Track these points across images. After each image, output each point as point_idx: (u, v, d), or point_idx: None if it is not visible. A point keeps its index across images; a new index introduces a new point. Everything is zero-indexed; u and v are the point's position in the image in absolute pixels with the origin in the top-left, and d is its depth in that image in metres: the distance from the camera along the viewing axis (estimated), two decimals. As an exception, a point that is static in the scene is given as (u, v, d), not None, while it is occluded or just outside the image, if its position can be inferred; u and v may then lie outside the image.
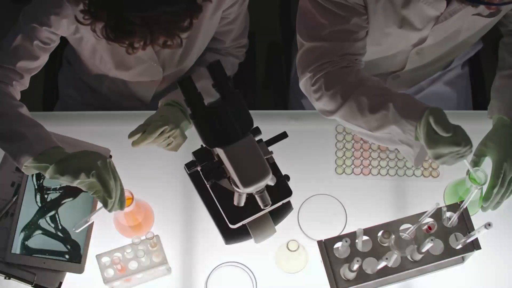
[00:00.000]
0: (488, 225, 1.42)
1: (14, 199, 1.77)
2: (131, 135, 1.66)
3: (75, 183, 1.51)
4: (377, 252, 1.57)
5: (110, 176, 1.50)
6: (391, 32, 1.72)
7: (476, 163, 1.70)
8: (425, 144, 1.50)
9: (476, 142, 1.79)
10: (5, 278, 1.69)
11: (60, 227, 1.74)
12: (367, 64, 1.99)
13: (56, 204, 1.76)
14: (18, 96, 1.69)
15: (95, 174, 1.49)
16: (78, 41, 1.78)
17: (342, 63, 1.67)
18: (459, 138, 1.48)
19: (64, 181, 1.52)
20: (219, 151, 1.43)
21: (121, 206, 1.54)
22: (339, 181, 1.82)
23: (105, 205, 1.51)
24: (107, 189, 1.50)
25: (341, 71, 1.66)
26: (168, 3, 1.39)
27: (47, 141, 1.57)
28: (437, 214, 1.58)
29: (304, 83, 1.71)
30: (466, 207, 1.57)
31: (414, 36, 1.75)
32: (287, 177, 1.59)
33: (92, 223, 1.74)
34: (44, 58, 1.72)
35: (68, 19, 1.64)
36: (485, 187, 1.63)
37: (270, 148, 1.55)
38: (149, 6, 1.37)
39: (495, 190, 1.66)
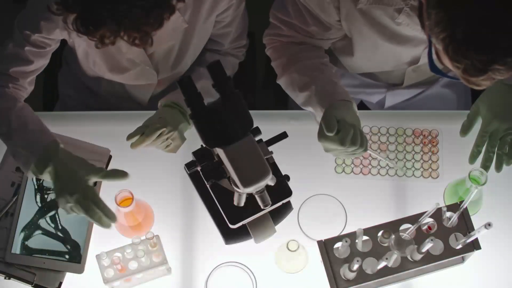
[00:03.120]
0: (488, 225, 1.42)
1: (14, 199, 1.77)
2: (129, 137, 1.66)
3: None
4: (377, 252, 1.57)
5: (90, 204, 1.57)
6: (381, 46, 1.74)
7: (469, 124, 1.79)
8: (317, 136, 1.59)
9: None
10: (5, 278, 1.69)
11: (60, 227, 1.74)
12: (364, 74, 2.00)
13: (56, 204, 1.75)
14: (17, 96, 1.71)
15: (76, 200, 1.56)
16: (72, 45, 1.80)
17: (296, 38, 1.77)
18: (344, 138, 1.54)
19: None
20: (219, 151, 1.43)
21: (111, 220, 1.58)
22: (339, 181, 1.81)
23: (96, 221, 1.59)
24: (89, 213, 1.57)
25: (288, 44, 1.78)
26: None
27: (37, 145, 1.62)
28: (437, 214, 1.58)
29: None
30: (466, 207, 1.57)
31: (405, 54, 1.76)
32: (287, 177, 1.59)
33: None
34: (40, 62, 1.73)
35: (59, 26, 1.65)
36: (485, 188, 1.62)
37: (270, 148, 1.54)
38: None
39: (479, 149, 1.75)
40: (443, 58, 1.33)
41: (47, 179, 1.61)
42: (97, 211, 1.56)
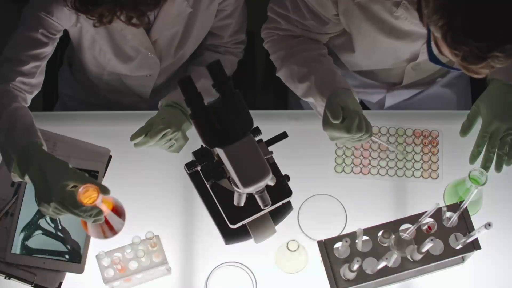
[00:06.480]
0: (488, 225, 1.42)
1: (14, 199, 1.77)
2: (133, 137, 1.66)
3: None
4: (377, 252, 1.57)
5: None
6: (379, 41, 1.73)
7: (469, 124, 1.78)
8: (322, 125, 1.58)
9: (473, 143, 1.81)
10: (5, 278, 1.69)
11: (60, 227, 1.75)
12: (364, 73, 2.00)
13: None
14: (20, 93, 1.68)
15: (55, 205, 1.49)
16: (78, 32, 1.79)
17: (294, 32, 1.77)
18: (351, 126, 1.54)
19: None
20: (219, 151, 1.43)
21: (98, 219, 1.52)
22: (339, 181, 1.81)
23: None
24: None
25: (286, 37, 1.77)
26: None
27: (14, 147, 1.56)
28: (437, 214, 1.58)
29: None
30: (466, 207, 1.57)
31: (404, 49, 1.76)
32: (287, 177, 1.59)
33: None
34: (50, 48, 1.72)
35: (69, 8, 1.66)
36: (485, 188, 1.62)
37: (270, 148, 1.55)
38: None
39: (480, 149, 1.74)
40: (442, 47, 1.33)
41: (28, 183, 1.54)
42: (80, 214, 1.48)
